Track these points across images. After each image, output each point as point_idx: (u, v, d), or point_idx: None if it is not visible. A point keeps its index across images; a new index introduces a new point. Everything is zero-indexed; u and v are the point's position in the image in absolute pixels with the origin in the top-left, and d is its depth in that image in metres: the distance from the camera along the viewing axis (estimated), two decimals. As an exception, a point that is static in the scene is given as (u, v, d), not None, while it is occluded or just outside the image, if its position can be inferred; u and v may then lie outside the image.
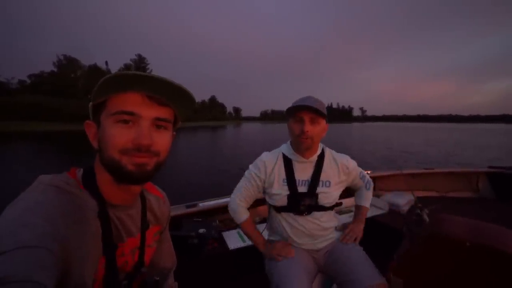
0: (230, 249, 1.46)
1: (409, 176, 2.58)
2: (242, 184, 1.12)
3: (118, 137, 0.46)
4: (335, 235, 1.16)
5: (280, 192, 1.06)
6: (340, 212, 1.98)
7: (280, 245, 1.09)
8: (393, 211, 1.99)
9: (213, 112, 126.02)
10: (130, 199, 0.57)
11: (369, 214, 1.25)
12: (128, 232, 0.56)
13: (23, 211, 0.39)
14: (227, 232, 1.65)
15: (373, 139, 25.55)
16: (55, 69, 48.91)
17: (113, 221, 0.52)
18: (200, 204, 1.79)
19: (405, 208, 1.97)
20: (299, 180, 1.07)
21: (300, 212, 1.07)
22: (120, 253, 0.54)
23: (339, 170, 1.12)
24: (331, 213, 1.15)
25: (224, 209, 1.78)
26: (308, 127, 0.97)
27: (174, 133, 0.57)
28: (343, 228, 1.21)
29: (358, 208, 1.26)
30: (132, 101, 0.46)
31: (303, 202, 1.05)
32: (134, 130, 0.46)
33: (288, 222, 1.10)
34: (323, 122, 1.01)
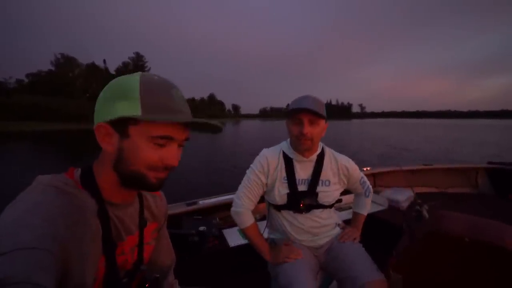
0: (231, 246, 1.46)
1: (409, 172, 2.59)
2: (246, 183, 1.09)
3: (151, 157, 0.48)
4: (336, 231, 1.17)
5: (280, 191, 1.06)
6: (340, 209, 1.98)
7: (286, 249, 1.05)
8: (392, 207, 2.00)
9: (212, 110, 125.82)
10: (130, 198, 0.58)
11: (369, 210, 1.25)
12: (127, 230, 0.56)
13: (22, 212, 0.39)
14: (227, 230, 1.65)
15: (372, 136, 25.57)
16: (53, 68, 48.53)
17: (113, 220, 0.52)
18: (200, 202, 1.79)
19: (405, 204, 1.98)
20: (299, 179, 1.07)
21: (299, 211, 1.07)
22: (120, 252, 0.54)
23: (339, 170, 1.12)
24: (331, 210, 1.16)
25: (224, 206, 1.78)
26: (307, 129, 0.97)
27: None
28: (343, 226, 1.22)
29: (356, 214, 1.25)
30: (173, 129, 0.49)
31: (303, 201, 1.05)
32: (165, 151, 0.49)
33: (288, 220, 1.11)
34: (322, 123, 1.01)
